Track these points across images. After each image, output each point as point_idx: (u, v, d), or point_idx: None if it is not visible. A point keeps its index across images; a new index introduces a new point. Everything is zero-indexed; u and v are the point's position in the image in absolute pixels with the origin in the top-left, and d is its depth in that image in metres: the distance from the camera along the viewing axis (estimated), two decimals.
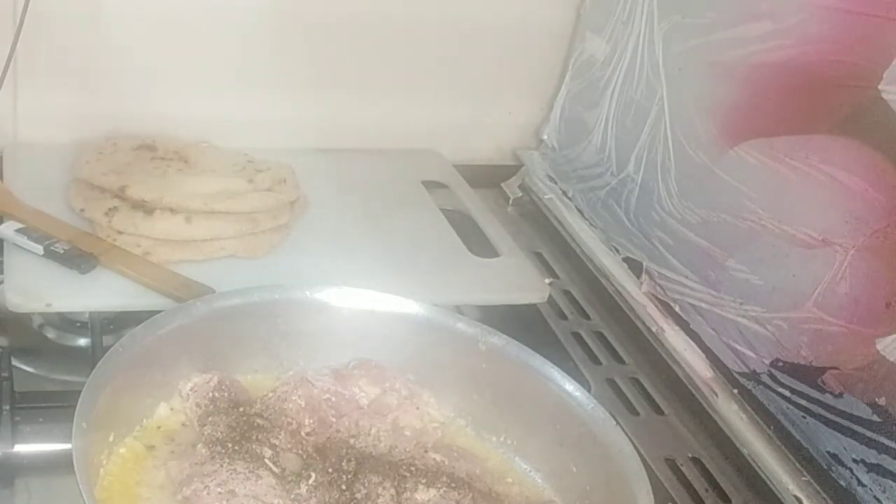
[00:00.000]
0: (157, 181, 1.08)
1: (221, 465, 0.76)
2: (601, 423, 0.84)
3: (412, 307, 0.91)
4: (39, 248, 0.99)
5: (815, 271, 0.92)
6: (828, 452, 0.92)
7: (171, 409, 0.83)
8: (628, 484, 0.78)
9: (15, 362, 0.91)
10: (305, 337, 0.90)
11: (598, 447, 0.82)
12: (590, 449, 0.83)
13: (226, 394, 0.83)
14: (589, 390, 0.88)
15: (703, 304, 1.07)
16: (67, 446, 0.68)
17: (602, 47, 1.27)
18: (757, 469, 0.97)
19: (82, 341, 1.00)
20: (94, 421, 0.72)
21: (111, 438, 0.77)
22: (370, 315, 0.91)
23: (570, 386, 0.86)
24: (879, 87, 0.86)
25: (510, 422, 0.88)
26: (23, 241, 0.99)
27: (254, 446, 0.78)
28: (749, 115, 1.02)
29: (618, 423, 0.85)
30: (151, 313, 0.83)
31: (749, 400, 1.01)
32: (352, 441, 0.83)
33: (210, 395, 0.82)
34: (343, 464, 0.80)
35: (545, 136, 1.40)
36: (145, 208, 1.04)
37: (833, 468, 0.91)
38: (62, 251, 0.99)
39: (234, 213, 1.06)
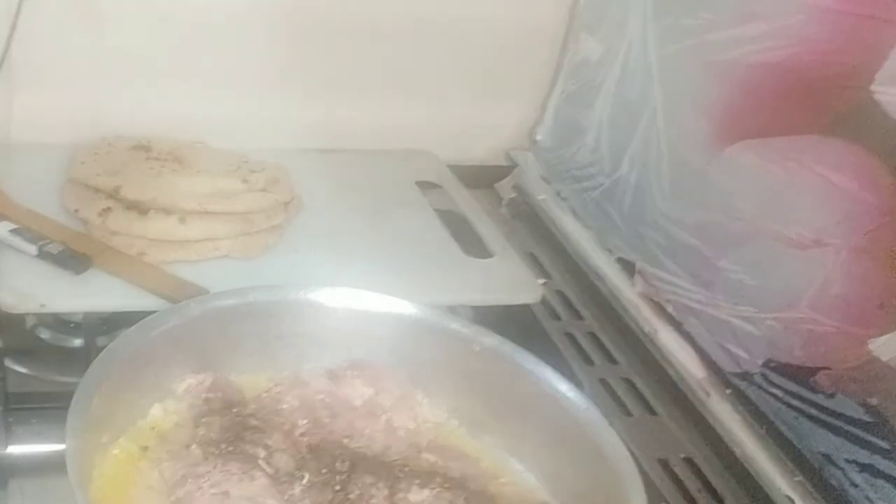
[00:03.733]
0: (151, 182, 1.07)
1: (215, 467, 0.75)
2: (595, 424, 0.84)
3: (407, 308, 0.91)
4: (33, 249, 0.98)
5: (807, 272, 0.93)
6: (820, 453, 0.92)
7: (165, 410, 0.83)
8: (622, 485, 0.78)
9: (8, 363, 0.91)
10: (300, 337, 0.90)
11: (591, 448, 0.82)
12: (584, 450, 0.83)
13: (220, 394, 0.83)
14: (582, 391, 0.88)
15: (696, 305, 1.07)
16: (61, 447, 0.68)
17: (596, 48, 1.27)
18: (749, 469, 0.97)
19: (76, 342, 1.00)
20: (88, 422, 0.72)
21: (105, 439, 0.77)
22: (365, 316, 0.91)
23: (564, 386, 0.86)
24: (872, 87, 0.86)
25: (504, 422, 0.88)
26: (16, 241, 0.99)
27: (247, 447, 0.78)
28: (743, 116, 1.03)
29: (611, 424, 0.85)
30: (146, 314, 0.83)
31: (742, 400, 1.01)
32: (346, 442, 0.83)
33: (204, 395, 0.82)
34: (337, 464, 0.80)
35: (539, 137, 1.40)
36: (139, 209, 1.04)
37: (825, 468, 0.91)
38: (56, 252, 0.98)
39: (228, 214, 1.06)
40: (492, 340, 0.89)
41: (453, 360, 0.90)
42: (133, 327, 0.81)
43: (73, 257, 0.98)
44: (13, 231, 1.00)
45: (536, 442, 0.87)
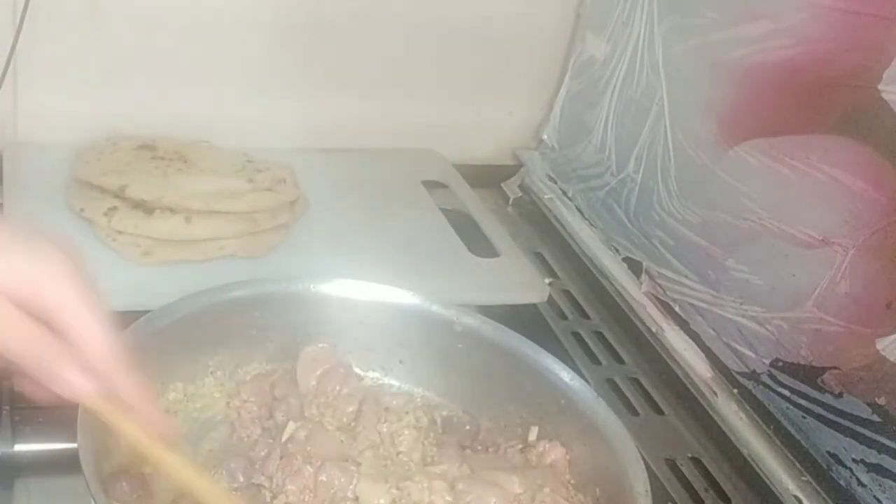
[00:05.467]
0: (156, 181, 1.08)
1: None
2: (582, 394, 0.85)
3: (407, 297, 0.92)
4: None
5: (814, 271, 0.92)
6: (827, 452, 0.92)
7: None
8: (615, 452, 0.80)
9: None
10: (303, 326, 0.91)
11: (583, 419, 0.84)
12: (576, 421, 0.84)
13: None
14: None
15: (702, 304, 1.07)
16: (67, 446, 0.68)
17: (602, 47, 1.27)
18: (757, 469, 0.97)
19: None
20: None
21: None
22: (366, 305, 0.92)
23: (567, 375, 0.87)
24: (879, 86, 0.86)
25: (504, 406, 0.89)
26: None
27: None
28: (749, 115, 1.02)
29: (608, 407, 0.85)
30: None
31: (749, 400, 1.01)
32: None
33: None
34: None
35: (545, 136, 1.40)
36: (145, 208, 1.04)
37: (833, 468, 0.91)
38: None
39: (233, 213, 1.06)
40: (473, 320, 0.91)
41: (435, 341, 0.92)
42: (135, 323, 0.81)
43: None
44: None
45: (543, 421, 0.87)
